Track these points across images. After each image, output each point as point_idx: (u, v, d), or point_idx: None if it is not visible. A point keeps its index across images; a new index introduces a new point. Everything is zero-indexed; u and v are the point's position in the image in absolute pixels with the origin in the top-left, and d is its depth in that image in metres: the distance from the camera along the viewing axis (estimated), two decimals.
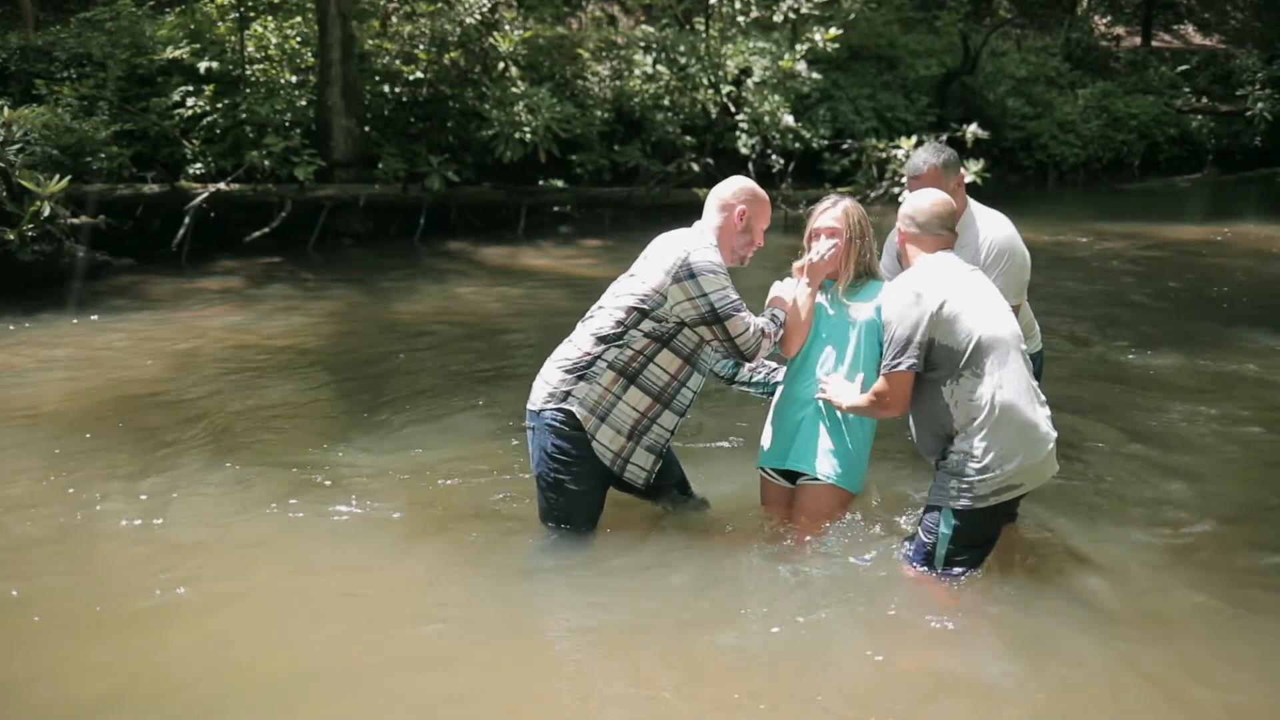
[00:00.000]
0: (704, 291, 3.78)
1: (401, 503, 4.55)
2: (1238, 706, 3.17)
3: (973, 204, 4.53)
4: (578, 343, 3.95)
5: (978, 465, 3.55)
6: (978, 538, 3.66)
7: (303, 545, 4.22)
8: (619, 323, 3.87)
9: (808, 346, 4.00)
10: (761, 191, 4.08)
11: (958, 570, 3.66)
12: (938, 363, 3.59)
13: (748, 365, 4.14)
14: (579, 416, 3.87)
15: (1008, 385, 3.56)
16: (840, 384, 3.87)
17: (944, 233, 3.80)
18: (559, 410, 3.88)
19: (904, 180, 4.56)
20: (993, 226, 4.40)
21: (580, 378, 3.88)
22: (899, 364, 3.59)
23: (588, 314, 4.01)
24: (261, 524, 4.37)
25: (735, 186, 4.04)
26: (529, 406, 4.00)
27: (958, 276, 3.66)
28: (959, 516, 3.60)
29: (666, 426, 3.99)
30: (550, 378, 3.96)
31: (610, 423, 3.89)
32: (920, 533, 3.74)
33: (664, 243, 3.94)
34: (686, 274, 3.78)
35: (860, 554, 3.88)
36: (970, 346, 3.55)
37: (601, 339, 3.88)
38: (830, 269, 3.99)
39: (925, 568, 3.69)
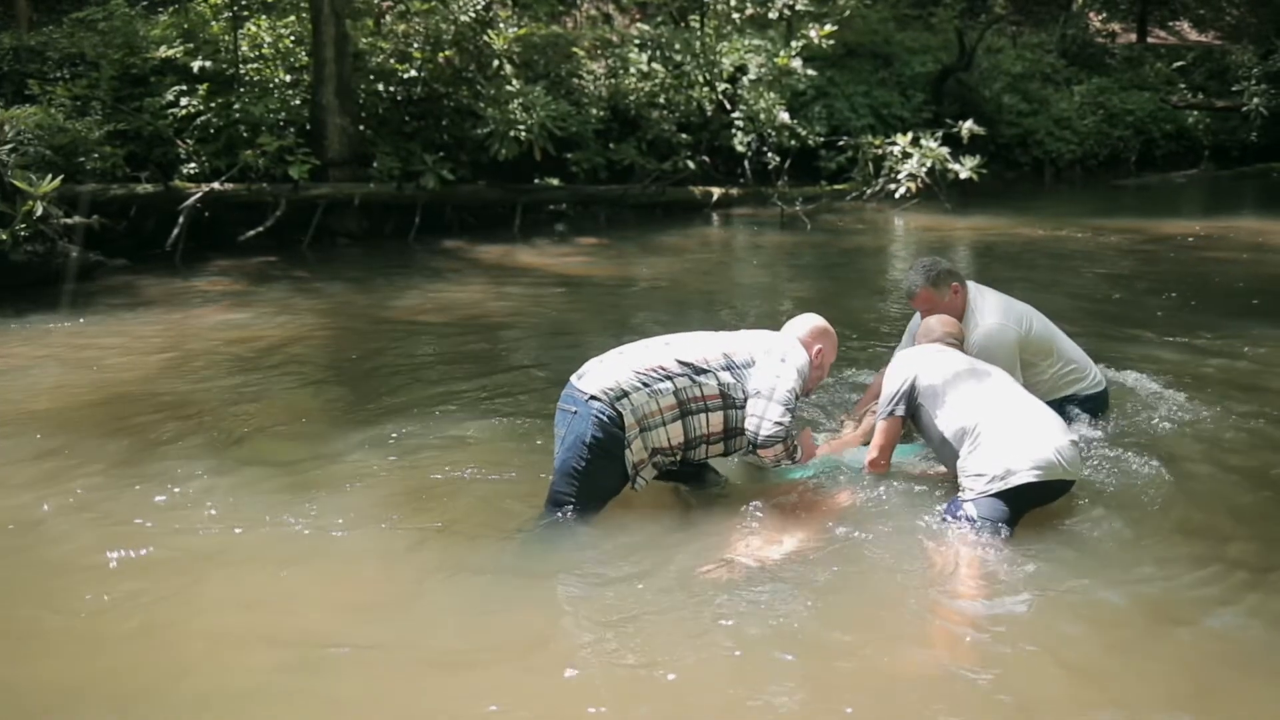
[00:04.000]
0: (779, 374, 4.06)
1: (398, 502, 4.53)
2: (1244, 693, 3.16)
3: (974, 299, 4.93)
4: (656, 353, 4.07)
5: (974, 468, 4.03)
6: (1001, 516, 3.94)
7: (296, 544, 4.20)
8: (705, 360, 4.06)
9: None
10: (832, 331, 4.43)
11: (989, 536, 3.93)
12: (922, 404, 4.23)
13: (762, 456, 4.16)
14: (626, 423, 3.92)
15: (982, 414, 4.11)
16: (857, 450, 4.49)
17: (953, 342, 4.51)
18: (610, 408, 3.92)
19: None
20: (980, 326, 4.80)
21: (645, 385, 3.96)
22: (884, 411, 4.28)
23: (669, 337, 4.23)
24: (255, 524, 4.34)
25: (810, 325, 4.37)
26: (580, 387, 3.99)
27: (936, 351, 4.40)
28: (977, 505, 3.96)
29: (677, 460, 4.14)
30: (617, 371, 3.99)
31: (645, 440, 3.97)
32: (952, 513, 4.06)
33: (770, 334, 4.31)
34: (780, 355, 4.12)
35: (869, 538, 3.94)
36: (940, 391, 4.20)
37: (683, 364, 4.03)
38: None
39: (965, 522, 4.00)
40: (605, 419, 3.90)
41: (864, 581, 3.73)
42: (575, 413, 3.97)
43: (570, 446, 3.96)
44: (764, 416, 4.00)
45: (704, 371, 4.04)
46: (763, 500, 4.25)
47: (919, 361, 4.33)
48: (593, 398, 3.94)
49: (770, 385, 4.04)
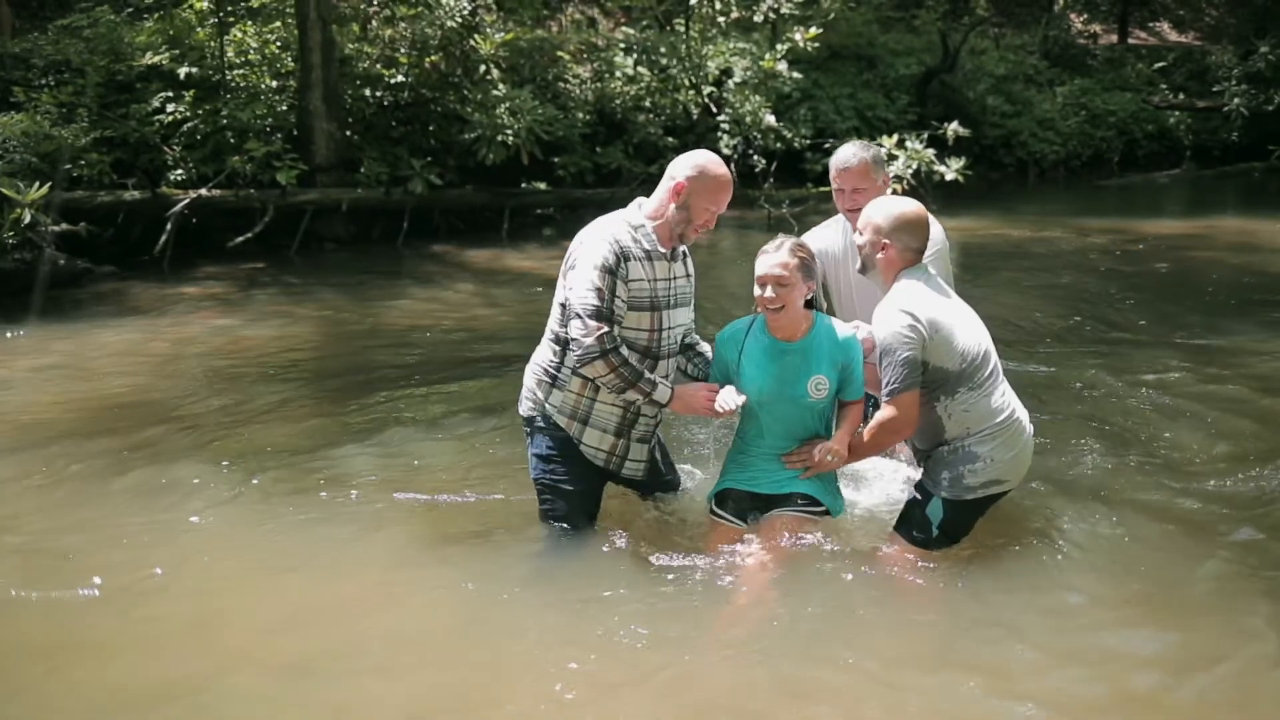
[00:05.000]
0: (571, 285, 3.67)
1: (391, 506, 4.54)
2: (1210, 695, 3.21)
3: None
4: (544, 347, 3.88)
5: (972, 466, 3.69)
6: (959, 528, 3.80)
7: (292, 550, 4.21)
8: (560, 322, 3.77)
9: (761, 411, 3.81)
10: (715, 168, 3.74)
11: (937, 550, 3.78)
12: (930, 382, 3.66)
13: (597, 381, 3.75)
14: (561, 424, 3.84)
15: (1009, 395, 3.74)
16: (825, 450, 3.74)
17: (918, 247, 3.73)
18: (543, 418, 3.88)
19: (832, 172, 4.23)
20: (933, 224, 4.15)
21: (553, 386, 3.83)
22: (908, 385, 3.59)
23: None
24: (250, 530, 4.35)
25: (685, 160, 3.77)
26: (519, 412, 4.00)
27: (940, 299, 3.70)
28: (946, 506, 3.73)
29: (649, 414, 3.90)
30: (529, 384, 3.93)
31: (594, 424, 3.84)
32: (909, 512, 3.84)
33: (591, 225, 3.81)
34: (571, 264, 3.70)
35: (849, 546, 3.90)
36: (964, 366, 3.63)
37: (558, 342, 3.80)
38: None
39: (914, 541, 3.79)
40: (545, 429, 3.87)
41: (821, 613, 3.58)
42: (527, 433, 3.97)
43: (533, 467, 3.97)
44: (570, 337, 3.66)
45: (557, 312, 3.76)
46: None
47: (928, 327, 3.61)
48: (527, 418, 3.92)
49: (568, 299, 3.67)
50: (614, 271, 3.62)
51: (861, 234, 3.79)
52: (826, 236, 4.42)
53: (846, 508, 4.04)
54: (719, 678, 3.26)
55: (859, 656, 3.35)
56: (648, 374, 3.70)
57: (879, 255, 3.73)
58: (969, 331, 3.69)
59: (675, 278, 3.85)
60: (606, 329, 3.60)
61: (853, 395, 3.82)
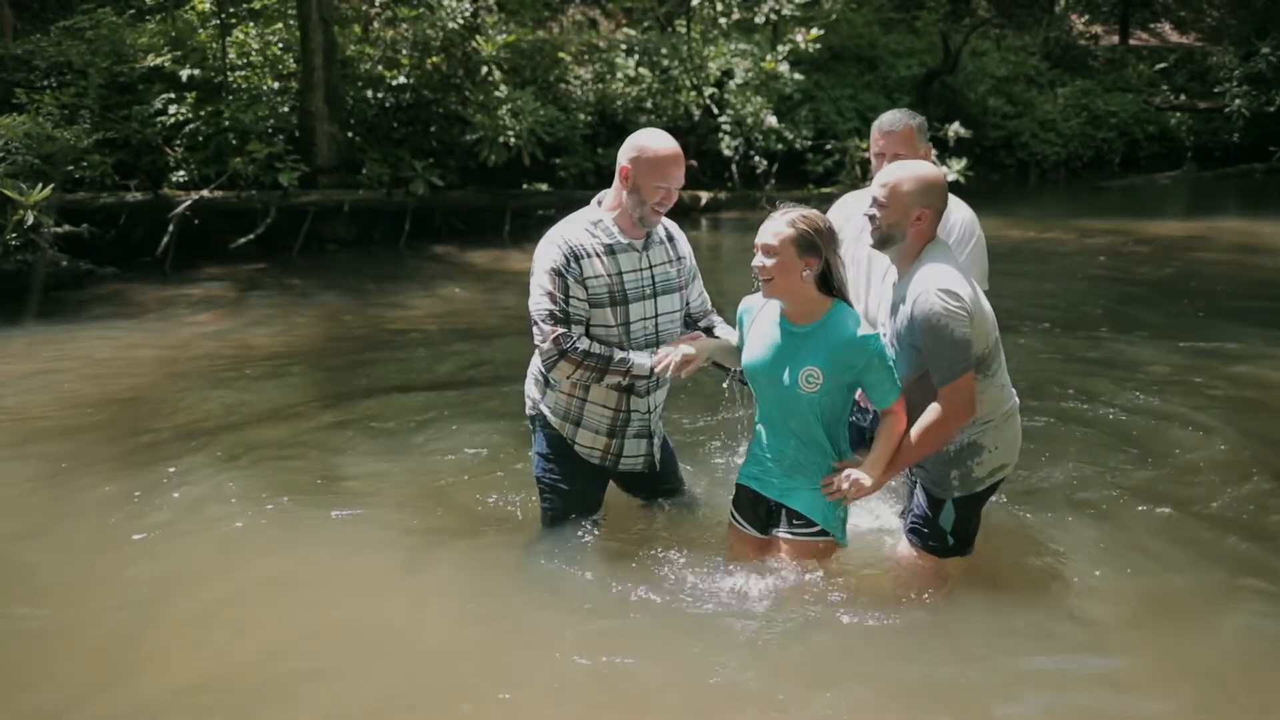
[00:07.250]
0: (530, 291, 3.68)
1: (394, 507, 4.55)
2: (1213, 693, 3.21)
3: None
4: (537, 351, 3.83)
5: (978, 458, 3.50)
6: (970, 526, 3.64)
7: (296, 551, 4.22)
8: None
9: (754, 387, 3.57)
10: (654, 145, 3.61)
11: (953, 557, 3.66)
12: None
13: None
14: (555, 425, 3.86)
15: (1009, 383, 3.58)
16: (844, 478, 3.42)
17: (943, 212, 3.40)
18: (540, 419, 3.90)
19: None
20: (960, 206, 3.99)
21: (546, 387, 3.85)
22: (965, 367, 3.29)
23: None
24: (254, 530, 4.36)
25: (627, 143, 3.67)
26: (525, 412, 4.02)
27: (966, 279, 3.40)
28: (958, 506, 3.57)
29: (642, 410, 3.87)
30: (527, 386, 3.97)
31: (586, 425, 3.84)
32: (919, 526, 3.67)
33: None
34: (531, 271, 3.70)
35: (848, 563, 3.85)
36: (985, 351, 3.40)
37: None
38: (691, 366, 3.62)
39: (930, 551, 3.66)
40: (542, 428, 3.89)
41: (823, 622, 3.51)
42: (531, 432, 3.98)
43: (535, 465, 3.99)
44: (535, 345, 3.68)
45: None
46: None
47: (973, 306, 3.33)
48: (529, 417, 3.95)
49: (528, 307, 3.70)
50: (564, 273, 3.61)
51: (884, 205, 3.38)
52: (851, 214, 4.04)
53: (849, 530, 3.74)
54: (704, 695, 3.23)
55: (854, 683, 3.32)
56: (618, 354, 3.67)
57: (912, 228, 3.36)
58: (990, 316, 3.45)
59: (651, 266, 3.78)
60: (562, 330, 3.60)
61: (881, 402, 3.44)
